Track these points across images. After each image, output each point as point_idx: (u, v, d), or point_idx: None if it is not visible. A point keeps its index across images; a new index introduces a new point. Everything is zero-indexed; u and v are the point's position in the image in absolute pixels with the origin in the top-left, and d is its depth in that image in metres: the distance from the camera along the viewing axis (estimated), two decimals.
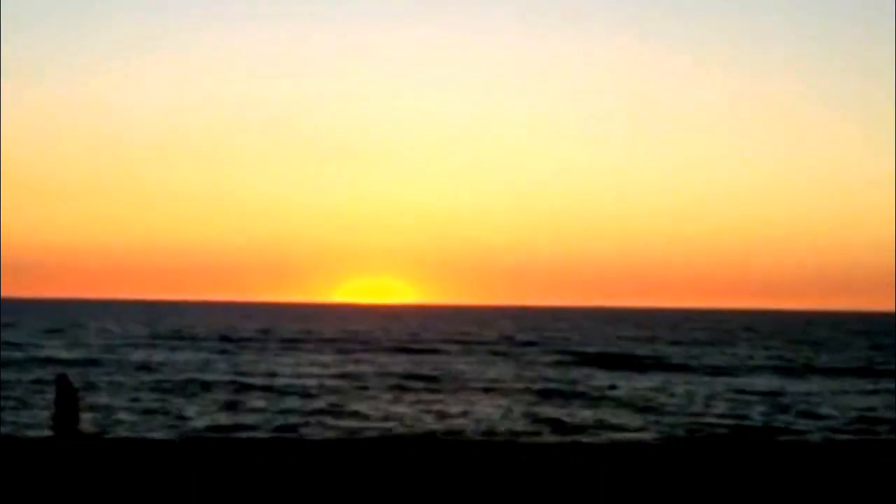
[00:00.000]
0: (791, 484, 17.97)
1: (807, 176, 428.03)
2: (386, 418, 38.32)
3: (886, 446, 26.53)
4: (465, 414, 39.72)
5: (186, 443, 24.37)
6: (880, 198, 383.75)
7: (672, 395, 48.51)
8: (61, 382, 22.33)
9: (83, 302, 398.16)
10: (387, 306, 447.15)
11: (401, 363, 68.40)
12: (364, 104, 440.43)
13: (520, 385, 52.30)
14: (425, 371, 61.03)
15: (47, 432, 23.88)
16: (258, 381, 52.26)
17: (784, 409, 43.18)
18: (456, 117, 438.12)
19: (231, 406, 40.60)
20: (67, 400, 22.18)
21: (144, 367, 60.30)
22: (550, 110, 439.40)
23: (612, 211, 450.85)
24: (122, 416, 37.46)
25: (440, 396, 46.29)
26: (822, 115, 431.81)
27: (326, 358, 73.21)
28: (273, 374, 56.63)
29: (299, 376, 55.99)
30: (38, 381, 47.80)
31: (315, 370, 60.90)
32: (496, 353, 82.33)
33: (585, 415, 40.11)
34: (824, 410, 43.23)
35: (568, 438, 32.47)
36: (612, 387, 51.81)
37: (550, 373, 61.24)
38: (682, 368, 66.67)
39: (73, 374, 50.98)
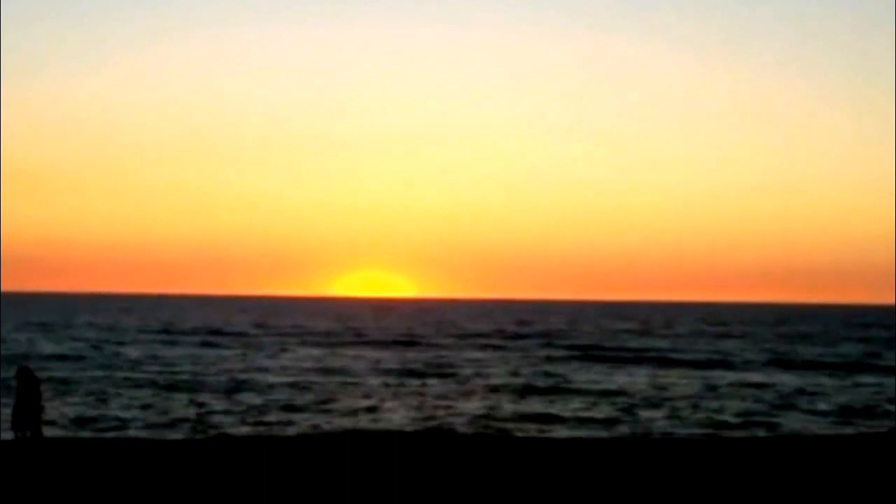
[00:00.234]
0: (771, 479, 17.73)
1: (804, 170, 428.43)
2: (370, 411, 38.06)
3: (866, 440, 26.25)
4: (451, 408, 39.45)
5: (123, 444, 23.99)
6: (881, 191, 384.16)
7: (664, 388, 48.27)
8: (23, 375, 21.89)
9: (81, 296, 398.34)
10: (384, 299, 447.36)
11: (391, 356, 68.22)
12: (363, 101, 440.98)
13: (509, 379, 52.10)
14: (415, 365, 60.90)
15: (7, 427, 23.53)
16: (242, 376, 51.99)
17: (768, 402, 43.00)
18: (454, 114, 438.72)
19: (198, 403, 40.03)
20: (29, 393, 21.74)
21: (134, 362, 60.08)
22: (546, 107, 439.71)
23: (608, 205, 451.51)
24: (99, 411, 37.12)
25: (429, 390, 46.01)
26: (821, 109, 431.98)
27: (315, 351, 72.96)
28: (263, 370, 56.34)
29: (285, 370, 55.73)
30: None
31: (302, 364, 60.64)
32: (489, 347, 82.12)
33: (570, 407, 39.88)
34: (805, 404, 42.99)
35: (548, 432, 32.22)
36: (601, 380, 51.57)
37: (542, 366, 61.03)
38: (676, 363, 66.34)
39: (64, 369, 51.30)
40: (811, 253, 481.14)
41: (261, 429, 33.19)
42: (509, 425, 34.91)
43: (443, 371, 56.65)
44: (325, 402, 41.16)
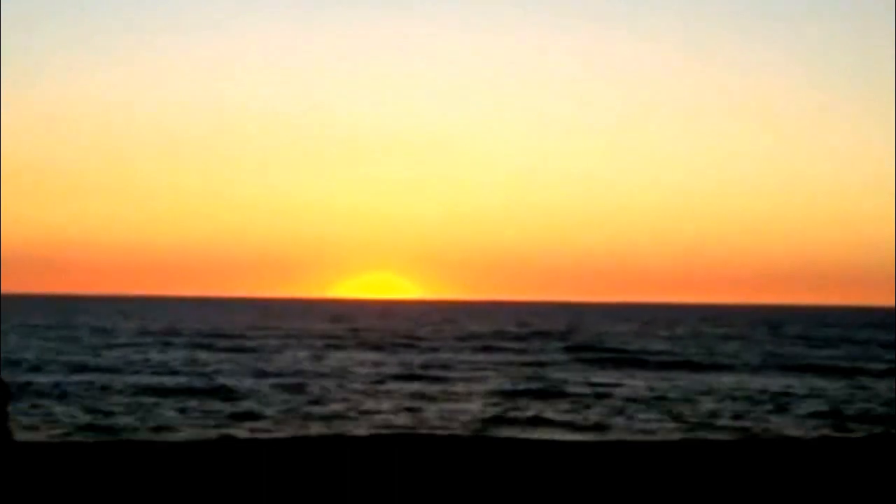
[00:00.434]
0: (760, 483, 17.62)
1: (805, 170, 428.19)
2: (364, 414, 37.91)
3: (859, 444, 26.16)
4: (445, 410, 39.35)
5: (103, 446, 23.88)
6: (881, 192, 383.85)
7: (659, 390, 48.13)
8: None
9: (81, 297, 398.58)
10: (388, 301, 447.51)
11: (389, 358, 68.17)
12: (366, 102, 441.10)
13: (503, 381, 52.00)
14: (413, 367, 60.84)
15: None
16: (241, 378, 51.93)
17: (762, 404, 42.90)
18: (456, 115, 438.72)
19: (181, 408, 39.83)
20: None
21: (134, 364, 60.00)
22: (548, 107, 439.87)
23: (613, 207, 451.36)
24: (96, 415, 37.01)
25: (424, 392, 45.91)
26: (821, 108, 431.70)
27: (314, 353, 72.86)
28: (261, 372, 56.18)
29: (283, 371, 55.59)
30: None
31: (301, 366, 60.54)
32: (486, 348, 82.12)
33: (562, 409, 39.81)
34: (800, 407, 42.91)
35: (541, 435, 32.06)
36: (600, 384, 51.43)
37: (538, 368, 60.97)
38: (673, 365, 66.21)
39: (59, 372, 51.21)
40: (812, 254, 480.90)
41: (260, 432, 33.05)
42: (502, 428, 34.76)
43: (438, 374, 56.50)
44: (322, 404, 41.06)
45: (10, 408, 21.99)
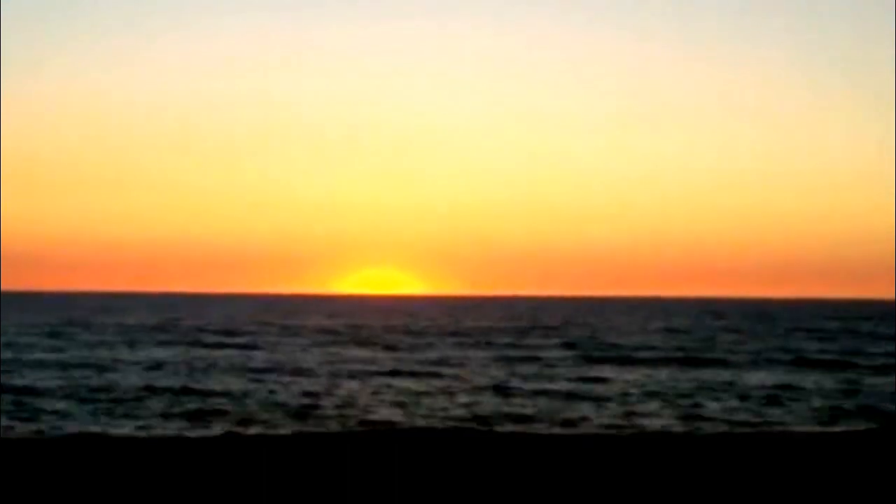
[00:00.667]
0: (752, 477, 17.77)
1: (803, 162, 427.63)
2: (363, 410, 38.07)
3: (852, 438, 26.30)
4: (440, 407, 39.49)
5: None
6: (880, 184, 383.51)
7: (660, 386, 48.18)
8: None
9: (81, 294, 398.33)
10: (391, 297, 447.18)
11: (386, 354, 68.20)
12: (368, 97, 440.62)
13: (496, 376, 52.08)
14: (410, 363, 60.83)
15: None
16: (241, 374, 52.01)
17: (757, 399, 43.00)
18: (459, 110, 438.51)
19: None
20: None
21: (132, 362, 60.06)
22: (548, 102, 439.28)
23: (614, 201, 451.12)
24: (95, 413, 37.13)
25: (419, 387, 46.00)
26: (819, 101, 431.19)
27: (313, 349, 72.92)
28: (257, 368, 56.23)
29: (279, 367, 55.65)
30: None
31: (299, 361, 60.59)
32: (484, 344, 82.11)
33: (553, 407, 39.86)
34: (795, 400, 42.97)
35: (541, 430, 32.19)
36: (597, 378, 51.47)
37: (534, 364, 61.00)
38: (676, 360, 66.05)
39: (58, 370, 51.23)
40: (812, 247, 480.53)
41: (260, 428, 33.18)
42: (498, 423, 34.86)
43: (434, 369, 56.48)
44: (318, 400, 41.17)
45: None
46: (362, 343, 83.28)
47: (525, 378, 51.63)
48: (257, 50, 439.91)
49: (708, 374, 54.61)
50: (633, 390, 46.07)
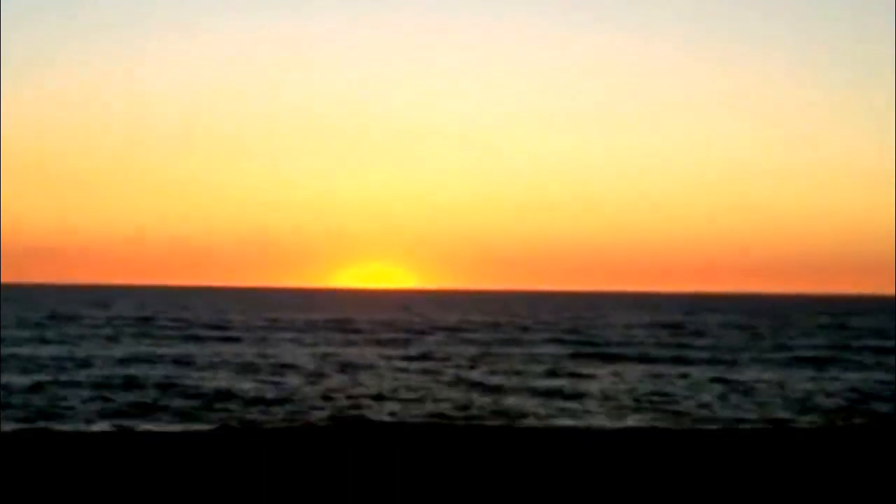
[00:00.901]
0: (743, 474, 17.73)
1: (804, 159, 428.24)
2: (358, 405, 37.97)
3: (844, 433, 26.30)
4: (436, 401, 39.41)
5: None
6: (881, 181, 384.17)
7: (653, 381, 48.13)
8: None
9: (81, 287, 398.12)
10: (384, 291, 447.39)
11: (378, 348, 68.14)
12: (365, 93, 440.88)
13: (490, 372, 52.02)
14: (402, 357, 60.77)
15: None
16: (232, 368, 51.88)
17: (750, 396, 42.89)
18: (454, 106, 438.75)
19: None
20: None
21: (130, 358, 59.94)
22: (547, 98, 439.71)
23: (613, 197, 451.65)
24: (92, 409, 36.99)
25: (412, 382, 45.92)
26: (819, 100, 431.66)
27: (303, 343, 72.84)
28: (249, 363, 56.10)
29: (272, 361, 55.52)
30: None
31: (291, 355, 60.51)
32: (475, 339, 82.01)
33: (540, 402, 39.75)
34: (788, 397, 42.89)
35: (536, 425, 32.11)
36: (590, 374, 51.38)
37: (529, 361, 60.94)
38: (672, 356, 65.95)
39: (56, 363, 51.04)
40: (812, 243, 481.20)
41: (250, 421, 33.10)
42: (490, 419, 34.78)
43: (429, 365, 56.38)
44: (310, 393, 41.09)
45: None
46: (358, 336, 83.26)
47: (513, 374, 51.50)
48: (257, 47, 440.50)
49: (701, 371, 54.54)
50: (623, 386, 45.99)
